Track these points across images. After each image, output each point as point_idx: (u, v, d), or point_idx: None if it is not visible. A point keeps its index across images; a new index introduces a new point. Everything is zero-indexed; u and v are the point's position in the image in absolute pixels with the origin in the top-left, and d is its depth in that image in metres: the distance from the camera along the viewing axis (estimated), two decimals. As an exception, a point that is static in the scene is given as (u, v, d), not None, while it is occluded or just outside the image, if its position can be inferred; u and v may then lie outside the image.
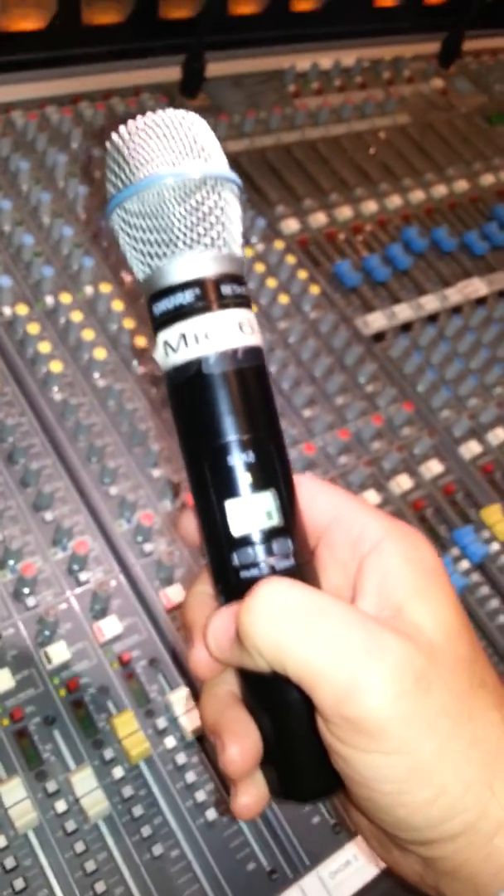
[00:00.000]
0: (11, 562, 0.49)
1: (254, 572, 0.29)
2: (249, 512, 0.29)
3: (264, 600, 0.27)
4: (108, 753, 0.45)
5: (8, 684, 0.45)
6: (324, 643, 0.26)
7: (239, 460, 0.29)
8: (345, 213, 0.76)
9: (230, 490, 0.29)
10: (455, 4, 0.94)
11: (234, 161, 0.75)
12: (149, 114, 0.29)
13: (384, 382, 0.66)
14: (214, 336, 0.29)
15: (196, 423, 0.29)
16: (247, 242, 0.69)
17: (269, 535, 0.29)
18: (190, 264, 0.29)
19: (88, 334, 0.59)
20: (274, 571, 0.29)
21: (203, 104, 0.79)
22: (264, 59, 0.84)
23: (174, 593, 0.51)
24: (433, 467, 0.63)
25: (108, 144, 0.29)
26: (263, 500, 0.29)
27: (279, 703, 0.30)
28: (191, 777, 0.45)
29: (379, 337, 0.70)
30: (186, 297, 0.29)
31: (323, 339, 0.67)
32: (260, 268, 0.68)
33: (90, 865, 0.42)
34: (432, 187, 0.83)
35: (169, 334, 0.29)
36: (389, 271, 0.73)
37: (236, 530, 0.29)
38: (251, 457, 0.29)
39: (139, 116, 0.29)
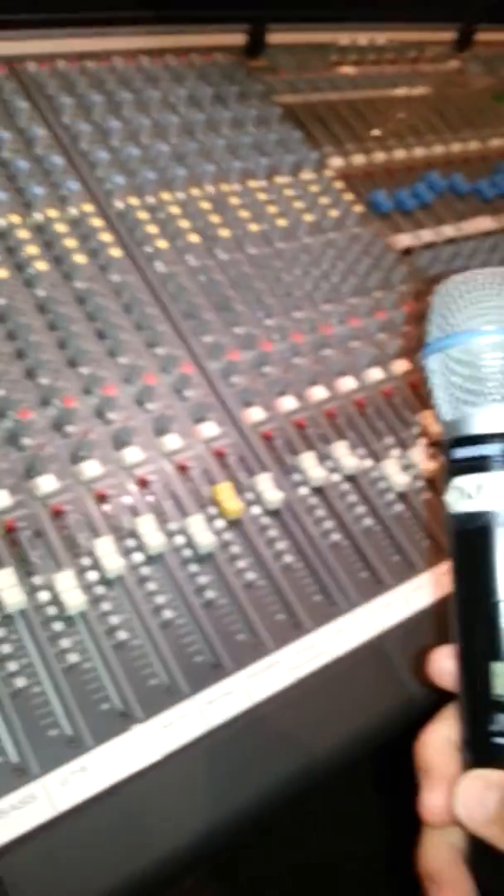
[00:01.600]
0: (134, 378, 0.64)
1: None
2: None
3: None
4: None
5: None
6: None
7: None
8: (379, 157, 0.92)
9: (500, 651, 0.28)
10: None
11: (290, 110, 0.91)
12: (475, 269, 0.31)
13: (409, 284, 0.82)
14: None
15: (475, 574, 0.29)
16: (299, 171, 0.85)
17: None
18: (499, 417, 0.29)
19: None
20: None
21: (263, 64, 0.95)
22: (313, 34, 1.00)
23: (254, 412, 0.65)
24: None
25: (437, 289, 0.31)
26: None
27: None
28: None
29: (407, 252, 0.85)
30: (491, 449, 0.29)
31: (363, 248, 0.82)
32: (314, 188, 0.84)
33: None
34: (450, 144, 0.99)
35: (466, 481, 0.29)
36: (416, 203, 0.89)
37: (499, 693, 0.28)
38: None
39: (467, 271, 0.31)
